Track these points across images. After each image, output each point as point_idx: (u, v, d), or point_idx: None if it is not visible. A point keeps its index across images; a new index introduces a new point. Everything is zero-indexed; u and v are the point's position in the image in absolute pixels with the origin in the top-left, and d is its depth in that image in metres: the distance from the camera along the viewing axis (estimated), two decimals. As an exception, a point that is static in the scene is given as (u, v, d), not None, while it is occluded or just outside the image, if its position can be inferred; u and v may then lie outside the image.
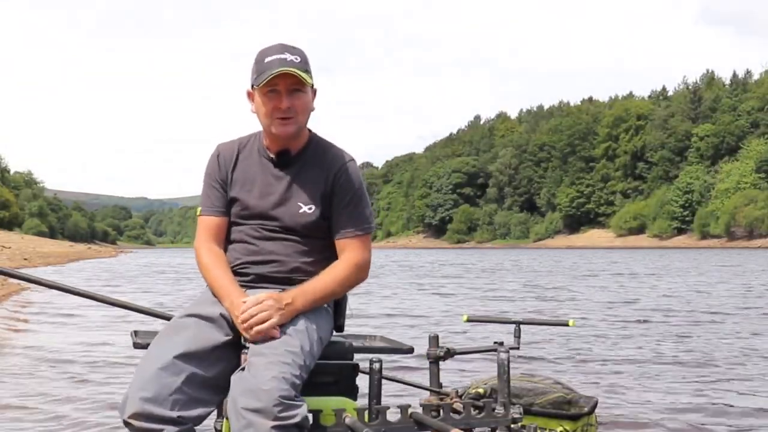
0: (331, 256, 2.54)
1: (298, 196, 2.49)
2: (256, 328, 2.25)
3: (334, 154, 2.54)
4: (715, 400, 5.84)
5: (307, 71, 2.44)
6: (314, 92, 2.52)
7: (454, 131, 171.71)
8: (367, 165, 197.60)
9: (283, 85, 2.40)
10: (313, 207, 2.48)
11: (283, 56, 2.40)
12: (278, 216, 2.48)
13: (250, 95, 2.51)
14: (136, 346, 2.59)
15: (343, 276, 2.46)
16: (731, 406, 5.63)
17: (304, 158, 2.53)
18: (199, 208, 2.57)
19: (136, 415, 2.13)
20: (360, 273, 2.51)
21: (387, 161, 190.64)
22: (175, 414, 2.15)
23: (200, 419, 2.23)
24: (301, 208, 2.48)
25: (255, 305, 2.27)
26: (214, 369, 2.26)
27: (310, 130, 2.56)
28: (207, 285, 2.50)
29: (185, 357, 2.23)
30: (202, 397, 2.22)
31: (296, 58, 2.41)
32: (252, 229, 2.50)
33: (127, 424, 2.15)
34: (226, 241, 2.55)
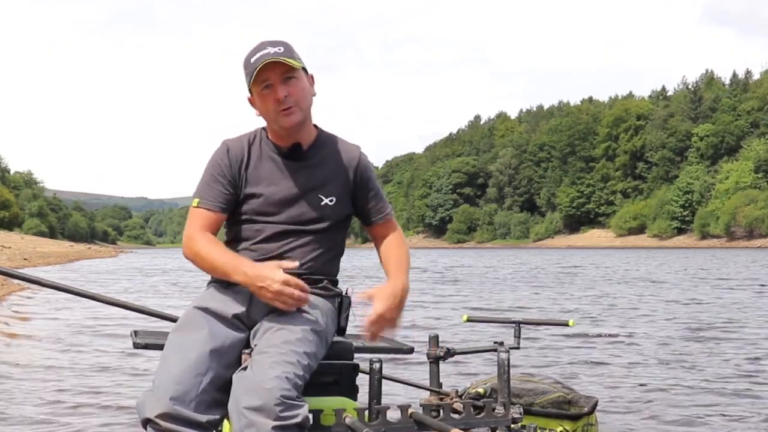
0: (340, 247, 2.58)
1: (317, 188, 2.48)
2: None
3: (346, 147, 2.57)
4: (716, 400, 5.84)
5: (293, 58, 2.41)
6: (311, 78, 2.51)
7: (454, 131, 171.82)
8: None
9: (274, 76, 2.39)
10: (334, 199, 2.49)
11: (265, 51, 2.39)
12: (299, 210, 2.46)
13: (251, 101, 2.49)
14: (136, 346, 2.58)
15: (406, 246, 2.64)
16: (732, 405, 5.63)
17: (317, 152, 2.52)
18: (197, 200, 2.46)
19: (164, 416, 2.08)
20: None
21: (387, 161, 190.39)
22: (204, 418, 2.13)
23: (219, 423, 2.20)
24: (322, 200, 2.48)
25: (382, 321, 2.41)
26: (230, 370, 2.23)
27: (316, 126, 2.55)
28: (212, 280, 2.46)
29: (207, 356, 2.21)
30: (221, 399, 2.18)
31: (279, 49, 2.40)
32: (270, 226, 2.45)
33: (150, 422, 2.10)
34: (240, 240, 2.48)
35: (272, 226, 2.46)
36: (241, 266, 2.33)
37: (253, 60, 2.41)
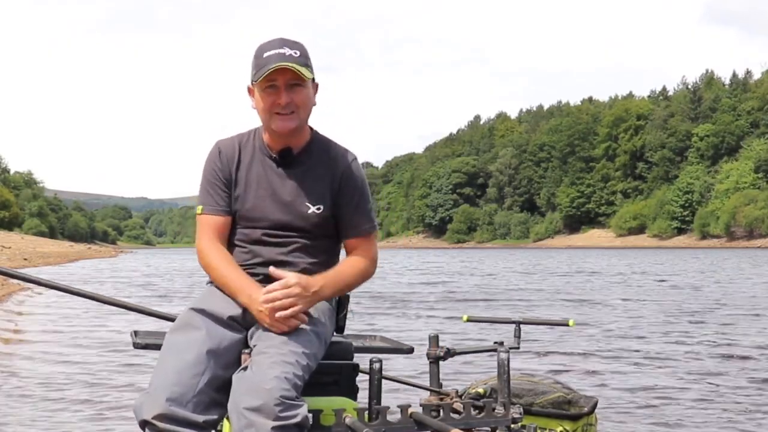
0: (333, 256, 2.54)
1: (305, 196, 2.45)
2: (279, 314, 2.22)
3: (337, 152, 2.52)
4: (718, 400, 5.85)
5: (307, 66, 2.39)
6: (316, 87, 2.48)
7: (454, 131, 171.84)
8: (367, 165, 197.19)
9: (282, 80, 2.36)
10: (321, 207, 2.45)
11: (281, 51, 2.36)
12: (285, 216, 2.44)
13: (250, 91, 2.47)
14: (136, 346, 2.58)
15: (363, 267, 2.48)
16: (733, 404, 5.63)
17: (308, 157, 2.49)
18: (200, 207, 2.49)
19: (161, 417, 2.08)
20: (373, 268, 2.52)
21: (387, 161, 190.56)
22: (201, 418, 2.12)
23: (217, 423, 2.20)
24: (309, 208, 2.44)
25: (282, 290, 2.23)
26: (228, 370, 2.22)
27: (311, 128, 2.52)
28: (214, 283, 2.45)
29: (204, 357, 2.20)
30: (219, 399, 2.18)
31: (295, 53, 2.37)
32: (258, 230, 2.45)
33: (147, 424, 2.10)
34: (232, 243, 2.48)
35: (262, 230, 2.45)
36: (245, 291, 2.31)
37: (266, 55, 2.37)
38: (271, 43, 2.41)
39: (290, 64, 2.34)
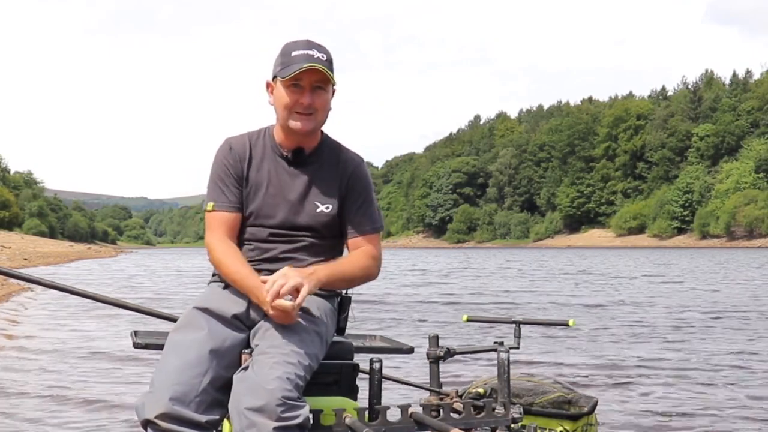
0: (337, 255, 2.55)
1: (315, 195, 2.48)
2: (278, 302, 2.20)
3: (347, 155, 2.56)
4: (714, 400, 5.85)
5: (332, 70, 2.43)
6: (333, 92, 2.51)
7: (454, 131, 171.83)
8: (367, 165, 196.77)
9: (308, 81, 2.39)
10: (330, 206, 2.48)
11: (310, 52, 2.40)
12: (295, 215, 2.46)
13: (269, 86, 2.49)
14: (136, 346, 2.58)
15: (363, 263, 2.47)
16: (732, 404, 5.63)
17: (319, 158, 2.52)
18: (211, 203, 2.48)
19: (164, 416, 2.08)
20: (376, 266, 2.52)
21: (387, 161, 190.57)
22: (203, 418, 2.12)
23: (219, 423, 2.20)
24: (318, 207, 2.47)
25: (281, 276, 2.23)
26: (231, 370, 2.22)
27: (322, 131, 2.55)
28: (219, 281, 2.45)
29: (207, 356, 2.20)
30: (221, 399, 2.18)
31: (323, 56, 2.41)
32: (266, 228, 2.47)
33: (149, 423, 2.09)
34: (239, 240, 2.49)
35: (270, 228, 2.46)
36: (253, 289, 2.31)
37: (294, 54, 2.40)
38: (298, 43, 2.44)
39: (320, 66, 2.37)
